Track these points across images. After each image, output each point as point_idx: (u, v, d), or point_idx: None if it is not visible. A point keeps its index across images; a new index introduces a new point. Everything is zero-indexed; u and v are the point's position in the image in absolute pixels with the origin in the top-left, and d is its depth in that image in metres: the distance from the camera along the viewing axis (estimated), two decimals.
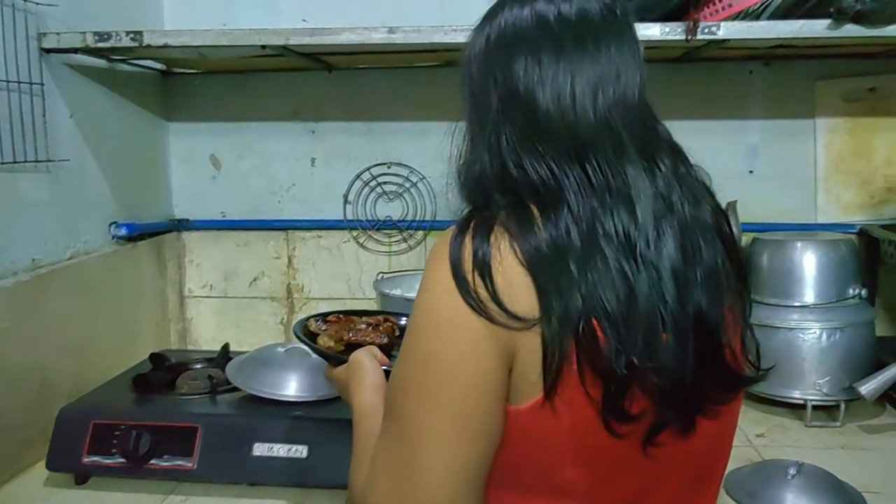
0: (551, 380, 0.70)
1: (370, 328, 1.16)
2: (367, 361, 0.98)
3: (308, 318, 1.20)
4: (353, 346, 1.10)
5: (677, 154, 0.81)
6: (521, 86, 0.77)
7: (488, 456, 0.73)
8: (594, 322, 0.69)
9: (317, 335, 1.15)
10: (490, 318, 0.70)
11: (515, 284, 0.70)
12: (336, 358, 1.06)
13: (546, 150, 0.75)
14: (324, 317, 1.21)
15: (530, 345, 0.70)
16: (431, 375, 0.73)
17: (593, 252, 0.71)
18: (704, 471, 0.83)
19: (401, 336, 1.17)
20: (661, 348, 0.71)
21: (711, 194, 0.83)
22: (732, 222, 1.56)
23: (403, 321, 1.24)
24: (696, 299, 0.74)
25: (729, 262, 0.80)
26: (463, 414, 0.72)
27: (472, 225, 0.74)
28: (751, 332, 0.83)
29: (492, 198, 0.77)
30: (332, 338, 1.13)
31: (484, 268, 0.71)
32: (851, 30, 1.33)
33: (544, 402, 0.71)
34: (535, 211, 0.73)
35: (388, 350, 1.09)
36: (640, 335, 0.70)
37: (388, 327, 1.19)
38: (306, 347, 1.13)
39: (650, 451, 0.73)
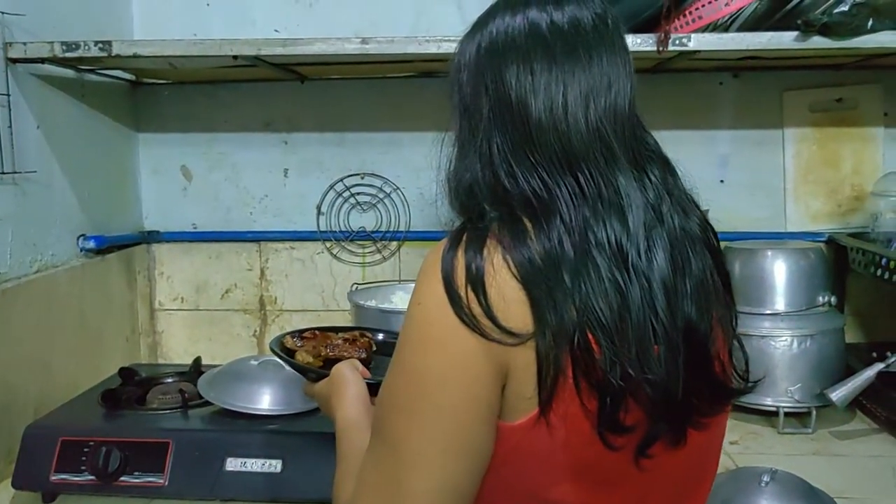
0: (546, 394, 0.69)
1: (347, 343, 1.16)
2: (349, 374, 0.97)
3: (284, 335, 1.19)
4: (331, 362, 1.09)
5: (666, 165, 0.81)
6: (513, 94, 0.77)
7: (477, 475, 0.73)
8: (588, 333, 0.69)
9: (294, 352, 1.14)
10: (483, 334, 0.69)
11: (509, 299, 0.70)
12: (315, 372, 1.06)
13: (538, 159, 0.75)
14: (300, 333, 1.20)
15: (525, 360, 0.70)
16: (420, 393, 0.72)
17: (586, 262, 0.71)
18: (693, 482, 0.83)
19: (378, 352, 1.17)
20: (654, 359, 0.71)
21: (698, 206, 0.83)
22: None
23: (381, 336, 1.25)
24: (686, 311, 0.74)
25: (717, 274, 0.80)
26: (452, 434, 0.71)
27: (464, 238, 0.73)
28: (739, 344, 0.83)
29: (483, 209, 0.76)
30: (309, 353, 1.13)
31: (477, 282, 0.70)
32: (818, 42, 1.35)
33: (539, 417, 0.70)
34: (528, 222, 0.73)
35: (367, 365, 1.09)
36: (634, 346, 0.70)
37: (364, 342, 1.18)
38: (285, 364, 1.12)
39: (642, 464, 0.73)
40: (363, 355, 1.13)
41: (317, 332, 1.21)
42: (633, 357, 0.70)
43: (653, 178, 0.78)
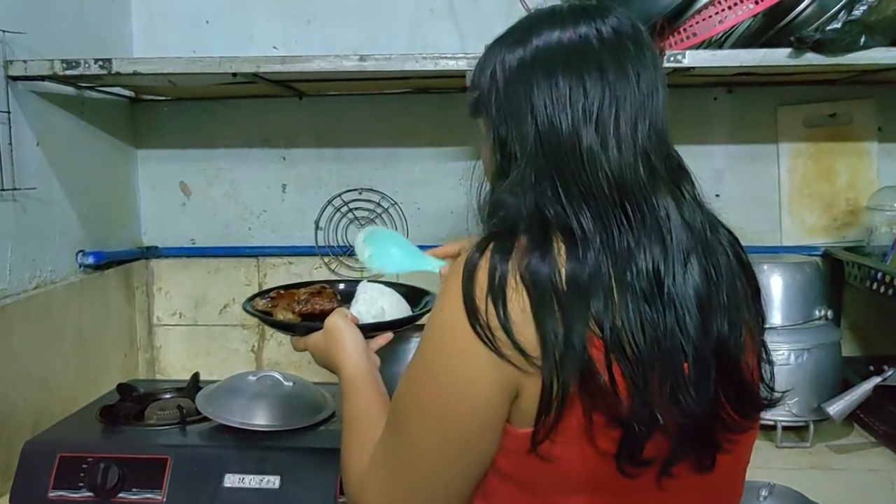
0: (546, 429, 0.69)
1: (314, 296, 1.18)
2: (343, 324, 0.98)
3: (252, 299, 1.20)
4: (306, 316, 1.13)
5: (690, 177, 0.81)
6: (567, 118, 0.74)
7: (475, 474, 0.75)
8: (615, 366, 0.68)
9: (270, 313, 1.16)
10: (497, 350, 0.69)
11: (527, 315, 0.69)
12: (304, 327, 1.07)
13: (588, 190, 0.73)
14: (266, 295, 1.22)
15: (536, 381, 0.70)
16: (438, 397, 0.73)
17: (623, 292, 0.70)
18: (720, 502, 0.83)
19: (342, 301, 1.18)
20: (684, 386, 0.70)
21: (719, 219, 0.83)
22: None
23: (342, 286, 1.27)
24: (719, 324, 0.73)
25: (747, 283, 0.80)
26: (458, 439, 0.73)
27: (490, 246, 0.72)
28: (766, 354, 0.82)
29: (516, 224, 0.74)
30: (286, 311, 1.14)
31: (498, 295, 0.69)
32: (812, 58, 1.37)
33: (546, 435, 0.71)
34: (561, 245, 0.71)
35: None
36: (661, 377, 0.69)
37: (329, 293, 1.21)
38: (269, 325, 1.14)
39: (664, 483, 0.73)
40: (335, 304, 1.16)
41: (281, 290, 1.23)
42: (660, 391, 0.69)
43: (686, 194, 0.78)
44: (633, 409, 0.68)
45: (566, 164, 0.74)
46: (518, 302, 0.69)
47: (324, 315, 1.06)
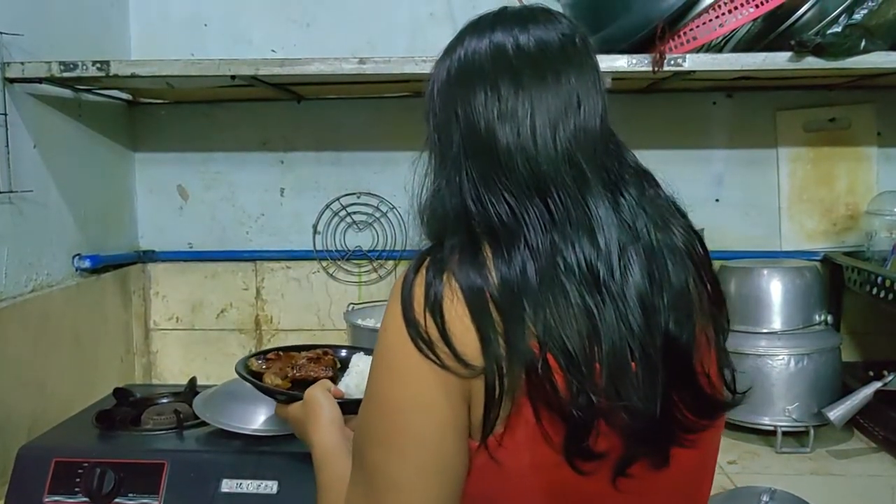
0: (490, 426, 0.70)
1: (311, 363, 1.17)
2: (321, 397, 0.98)
3: (248, 358, 1.20)
4: (298, 382, 1.11)
5: (645, 177, 0.81)
6: (482, 121, 0.77)
7: (455, 494, 0.73)
8: (552, 361, 0.68)
9: (260, 374, 1.14)
10: (440, 362, 0.69)
11: (466, 327, 0.70)
12: (286, 395, 1.07)
13: (506, 185, 0.74)
14: (263, 355, 1.21)
15: (481, 388, 0.70)
16: (391, 424, 0.73)
17: (553, 288, 0.70)
18: (685, 502, 0.82)
19: (342, 368, 1.17)
20: (630, 382, 0.70)
21: (683, 214, 0.83)
22: None
23: (343, 353, 1.25)
24: (664, 324, 0.73)
25: (701, 284, 0.79)
26: (425, 459, 0.71)
27: (426, 262, 0.74)
28: (726, 356, 0.82)
29: (448, 236, 0.76)
30: (277, 375, 1.13)
31: (436, 308, 0.70)
32: (812, 62, 1.37)
33: (497, 443, 0.71)
34: (488, 249, 0.73)
35: (333, 382, 1.09)
36: (606, 372, 0.69)
37: (328, 360, 1.20)
38: (254, 387, 1.12)
39: (621, 485, 0.72)
40: (330, 373, 1.14)
41: (280, 352, 1.22)
42: (604, 384, 0.69)
43: (627, 195, 0.77)
44: (571, 400, 0.68)
45: (487, 164, 0.76)
46: (456, 311, 0.70)
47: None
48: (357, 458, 0.77)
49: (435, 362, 0.69)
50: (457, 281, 0.71)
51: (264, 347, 1.84)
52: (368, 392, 0.76)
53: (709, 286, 0.81)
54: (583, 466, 0.70)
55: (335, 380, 1.13)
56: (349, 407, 0.99)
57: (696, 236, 0.83)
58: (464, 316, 0.70)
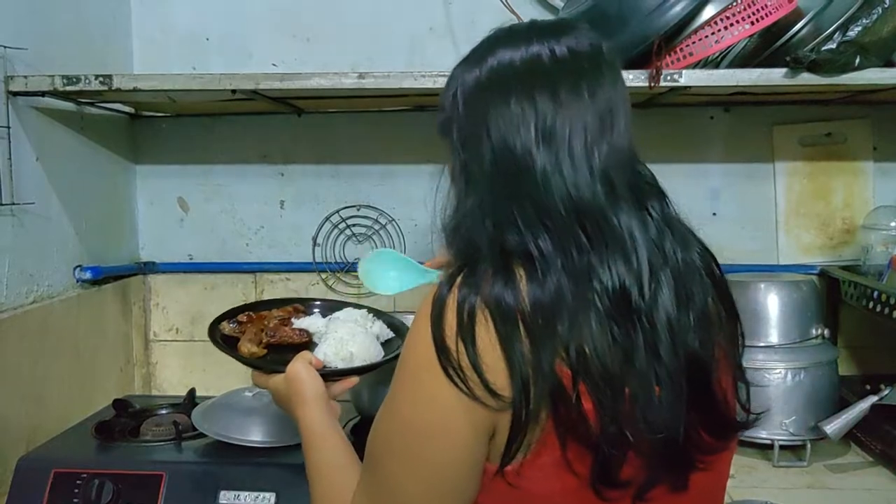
0: (512, 455, 0.69)
1: (284, 324, 1.17)
2: (304, 373, 0.98)
3: (219, 321, 1.19)
4: (273, 348, 1.12)
5: (663, 197, 0.80)
6: (518, 144, 0.74)
7: None
8: (581, 387, 0.67)
9: (234, 339, 1.14)
10: (470, 393, 0.68)
11: (499, 356, 0.68)
12: (268, 368, 1.06)
13: (543, 210, 0.72)
14: (233, 317, 1.20)
15: (509, 417, 0.69)
16: (411, 442, 0.72)
17: (587, 311, 0.69)
18: None
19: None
20: (655, 408, 0.69)
21: (696, 237, 0.82)
22: None
23: (316, 310, 1.26)
24: (690, 344, 0.72)
25: (719, 302, 0.79)
26: (440, 481, 0.72)
27: (457, 283, 0.71)
28: (741, 374, 0.82)
29: (480, 257, 0.73)
30: (252, 342, 1.12)
31: (468, 334, 0.69)
32: (807, 78, 1.38)
33: (516, 472, 0.70)
34: (522, 272, 0.71)
35: (307, 346, 1.11)
36: (633, 398, 0.68)
37: (300, 316, 1.20)
38: (232, 358, 1.12)
39: None
40: (305, 338, 1.14)
41: (251, 313, 1.21)
42: (630, 410, 0.68)
43: (654, 213, 0.76)
44: (601, 431, 0.67)
45: (522, 186, 0.73)
46: (487, 338, 0.69)
47: (292, 349, 1.05)
48: (371, 463, 0.77)
49: (464, 392, 0.68)
50: (488, 305, 0.69)
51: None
52: (391, 407, 0.75)
53: (726, 304, 0.81)
54: (607, 494, 0.70)
55: (308, 342, 1.13)
56: (329, 377, 1.01)
57: (712, 257, 0.82)
58: (496, 344, 0.68)
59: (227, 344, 1.16)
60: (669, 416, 0.70)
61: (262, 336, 1.14)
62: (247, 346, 1.12)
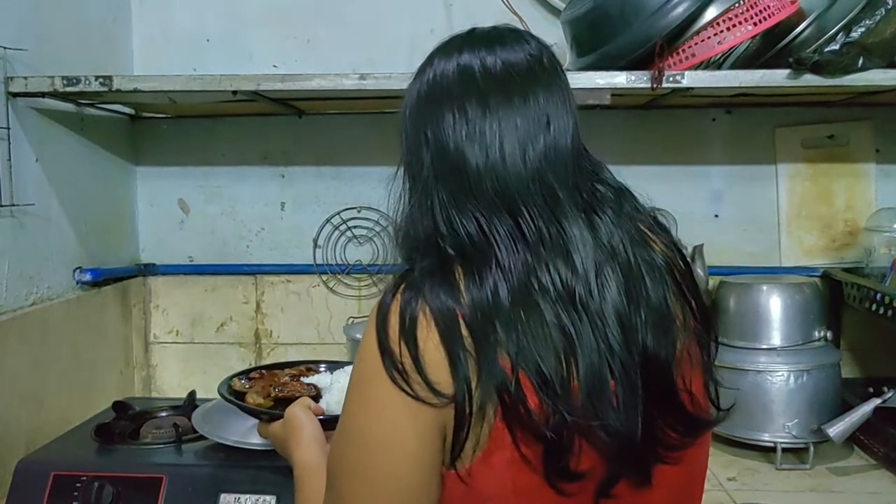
0: (459, 448, 0.70)
1: (294, 380, 1.18)
2: (302, 415, 0.98)
3: (231, 378, 1.20)
4: (281, 401, 1.11)
5: (622, 194, 0.80)
6: (451, 143, 0.76)
7: None
8: (525, 382, 0.68)
9: (243, 394, 1.15)
10: (414, 394, 0.69)
11: (442, 355, 0.69)
12: (268, 414, 1.07)
13: (476, 206, 0.74)
14: (246, 374, 1.22)
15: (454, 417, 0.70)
16: (363, 454, 0.73)
17: (526, 308, 0.70)
18: None
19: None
20: (609, 401, 0.69)
21: (665, 230, 0.82)
22: (699, 265, 1.58)
23: (323, 368, 1.26)
24: (642, 340, 0.73)
25: (682, 299, 0.79)
26: (394, 493, 0.71)
27: (401, 288, 0.73)
28: (710, 372, 0.81)
29: (421, 259, 0.76)
30: (259, 394, 1.13)
31: (409, 335, 0.70)
32: (810, 79, 1.37)
33: (469, 469, 0.70)
34: (460, 271, 0.72)
35: (316, 400, 1.11)
36: (584, 391, 0.69)
37: (311, 376, 1.20)
38: (236, 407, 1.13)
39: None
40: (312, 392, 1.15)
41: (263, 371, 1.23)
42: (581, 403, 0.68)
43: (602, 214, 0.77)
44: (545, 420, 0.68)
45: (455, 183, 0.76)
46: (429, 338, 0.69)
47: None
48: (329, 482, 0.77)
49: (409, 394, 0.69)
50: (429, 305, 0.70)
51: (262, 363, 1.84)
52: (342, 421, 0.76)
53: (693, 301, 0.80)
54: (564, 487, 0.70)
55: (318, 397, 1.13)
56: (330, 423, 0.99)
57: (677, 252, 0.82)
58: (439, 343, 0.69)
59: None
60: (624, 410, 0.70)
61: (270, 390, 1.14)
62: (253, 398, 1.13)
